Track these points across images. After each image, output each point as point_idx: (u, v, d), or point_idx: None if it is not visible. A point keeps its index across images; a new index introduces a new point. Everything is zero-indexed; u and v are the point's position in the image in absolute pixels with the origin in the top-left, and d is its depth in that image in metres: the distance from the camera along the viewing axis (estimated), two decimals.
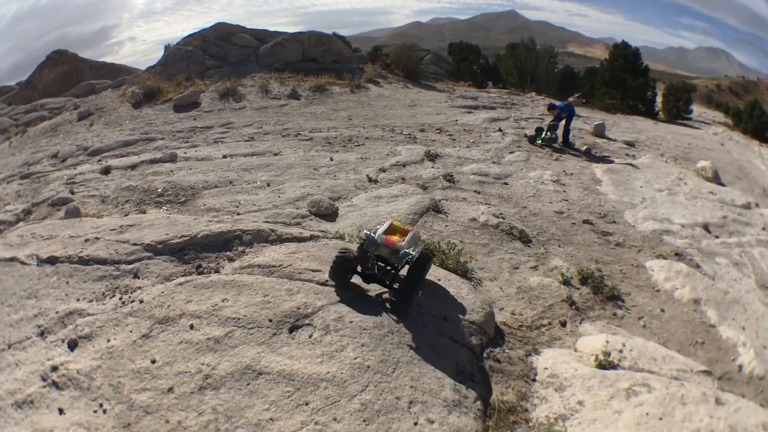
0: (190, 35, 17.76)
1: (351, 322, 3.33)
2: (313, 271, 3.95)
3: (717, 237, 7.52)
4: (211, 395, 2.76)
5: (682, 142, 14.48)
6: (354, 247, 4.32)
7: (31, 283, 4.56)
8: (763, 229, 8.28)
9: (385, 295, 3.78)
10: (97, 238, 5.16)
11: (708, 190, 9.52)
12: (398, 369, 3.08)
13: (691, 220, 7.89)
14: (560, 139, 11.32)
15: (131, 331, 3.49)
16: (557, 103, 11.75)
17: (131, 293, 4.12)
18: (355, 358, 3.05)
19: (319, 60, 17.15)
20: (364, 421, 2.66)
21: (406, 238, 3.62)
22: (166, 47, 17.75)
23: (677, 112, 23.42)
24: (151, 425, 2.69)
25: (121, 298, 4.07)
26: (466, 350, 3.55)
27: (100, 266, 4.65)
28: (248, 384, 2.81)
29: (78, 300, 4.22)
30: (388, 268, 3.69)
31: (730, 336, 5.00)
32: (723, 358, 4.67)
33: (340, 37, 23.67)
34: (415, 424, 2.76)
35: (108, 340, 3.46)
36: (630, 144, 12.68)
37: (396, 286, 3.64)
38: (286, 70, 15.62)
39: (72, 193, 7.69)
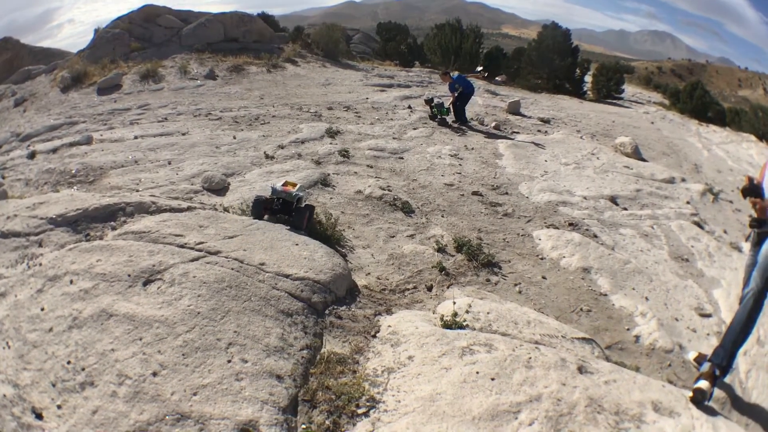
0: (118, 18, 16.85)
1: (194, 277, 3.82)
2: (176, 235, 4.50)
3: (625, 209, 7.20)
4: (76, 332, 3.36)
5: (606, 119, 14.28)
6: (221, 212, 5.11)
7: None
8: (687, 203, 7.93)
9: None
10: (15, 215, 5.55)
11: (623, 164, 9.35)
12: (227, 317, 3.42)
13: (596, 192, 7.51)
14: (453, 115, 11.18)
15: (31, 288, 4.04)
16: (454, 74, 11.64)
17: (35, 259, 4.66)
18: (189, 306, 3.47)
19: (240, 40, 16.65)
20: (182, 355, 3.06)
21: (296, 188, 5.15)
22: (96, 30, 16.77)
23: (607, 92, 22.97)
24: (36, 355, 3.32)
25: (27, 264, 4.60)
26: (305, 306, 3.81)
27: (16, 238, 5.11)
28: (102, 324, 3.35)
29: None
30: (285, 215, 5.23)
31: (625, 305, 4.77)
32: (614, 327, 4.46)
33: (268, 17, 22.99)
34: (228, 361, 3.05)
35: (15, 296, 4.01)
36: (545, 121, 12.49)
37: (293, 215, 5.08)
38: (207, 50, 15.10)
39: (3, 177, 7.78)
